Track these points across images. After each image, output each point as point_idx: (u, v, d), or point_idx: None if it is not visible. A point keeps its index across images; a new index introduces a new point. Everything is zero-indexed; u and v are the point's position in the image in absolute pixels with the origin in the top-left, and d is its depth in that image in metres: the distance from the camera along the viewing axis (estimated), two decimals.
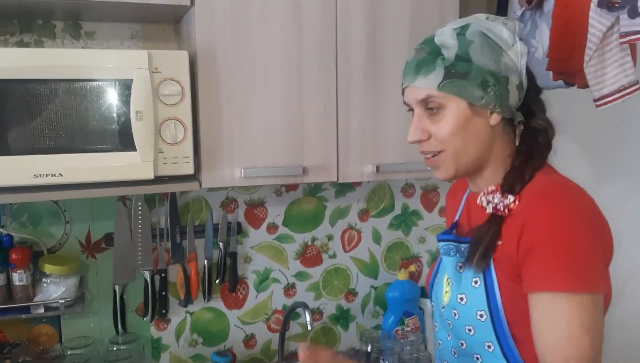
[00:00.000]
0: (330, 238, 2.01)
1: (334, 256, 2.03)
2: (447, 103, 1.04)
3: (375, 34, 1.59)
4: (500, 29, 1.04)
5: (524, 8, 1.68)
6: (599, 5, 1.23)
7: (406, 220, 2.10)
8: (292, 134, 1.55)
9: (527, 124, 1.08)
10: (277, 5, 1.50)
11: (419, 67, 1.05)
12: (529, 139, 1.07)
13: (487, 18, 1.07)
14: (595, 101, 1.28)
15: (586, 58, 1.26)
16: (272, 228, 1.94)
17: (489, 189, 1.05)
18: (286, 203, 1.95)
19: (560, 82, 1.54)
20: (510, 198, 1.02)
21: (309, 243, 1.99)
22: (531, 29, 1.70)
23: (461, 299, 1.07)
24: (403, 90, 1.11)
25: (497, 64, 1.02)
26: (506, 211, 1.02)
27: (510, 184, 1.04)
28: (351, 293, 2.07)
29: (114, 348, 1.73)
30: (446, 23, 1.09)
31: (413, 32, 1.61)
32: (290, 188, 1.94)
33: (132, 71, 1.36)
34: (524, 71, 1.05)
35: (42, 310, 1.59)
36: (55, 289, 1.60)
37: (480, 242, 1.03)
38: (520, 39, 1.05)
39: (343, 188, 2.01)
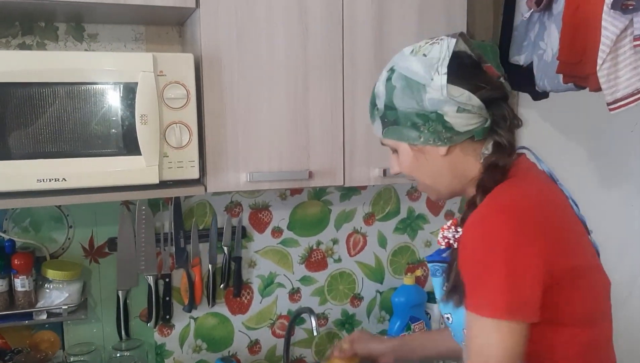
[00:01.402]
0: (335, 242, 1.99)
1: (339, 260, 2.01)
2: (396, 146, 1.11)
3: (382, 36, 1.57)
4: (417, 66, 1.04)
5: (532, 10, 1.66)
6: (613, 7, 1.20)
7: (412, 224, 2.08)
8: (297, 137, 1.53)
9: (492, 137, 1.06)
10: (283, 7, 1.48)
11: (370, 117, 1.15)
12: (489, 157, 1.06)
13: (412, 51, 1.07)
14: (608, 104, 1.26)
15: (599, 61, 1.24)
16: (276, 232, 1.92)
17: (448, 225, 1.11)
18: (291, 206, 1.93)
19: (571, 85, 1.52)
20: (460, 230, 1.06)
21: (314, 247, 1.97)
22: (539, 31, 1.68)
23: (448, 318, 1.12)
24: None
25: (421, 104, 1.03)
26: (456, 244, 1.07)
27: (466, 217, 1.04)
28: (357, 298, 2.05)
29: (118, 355, 1.71)
30: (453, 26, 1.07)
31: (420, 35, 1.58)
32: (295, 191, 1.92)
33: (137, 73, 1.34)
34: (452, 101, 1.01)
35: (44, 317, 1.56)
36: (58, 295, 1.57)
37: (456, 288, 1.03)
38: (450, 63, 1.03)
39: (348, 192, 1.98)
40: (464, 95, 1.02)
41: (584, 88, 1.50)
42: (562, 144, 2.22)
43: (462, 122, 1.03)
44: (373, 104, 1.12)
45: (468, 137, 1.05)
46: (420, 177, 1.12)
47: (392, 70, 1.08)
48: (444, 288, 1.11)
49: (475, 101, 1.02)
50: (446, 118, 1.03)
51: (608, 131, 2.25)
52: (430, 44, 1.06)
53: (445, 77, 1.01)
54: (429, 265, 1.18)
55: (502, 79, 1.09)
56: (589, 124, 2.23)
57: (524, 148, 1.13)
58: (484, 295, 0.94)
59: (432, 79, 1.02)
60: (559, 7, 1.55)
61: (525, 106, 2.11)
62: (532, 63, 1.73)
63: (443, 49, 1.04)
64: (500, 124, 1.05)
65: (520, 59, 1.77)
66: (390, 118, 1.08)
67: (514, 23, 1.80)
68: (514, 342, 0.93)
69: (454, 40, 1.04)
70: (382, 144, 1.15)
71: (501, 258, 0.92)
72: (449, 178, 1.09)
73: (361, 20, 1.55)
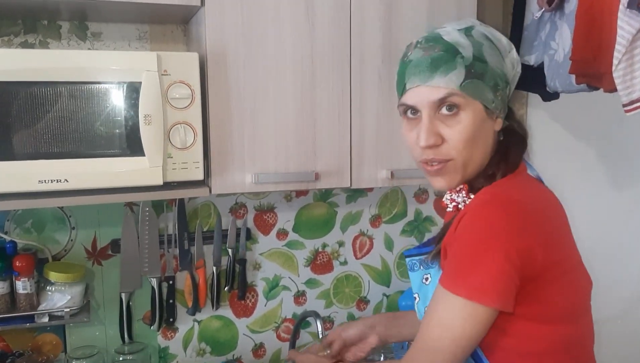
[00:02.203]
0: (341, 244, 1.96)
1: (345, 263, 1.98)
2: (466, 105, 0.99)
3: (390, 34, 1.54)
4: (499, 35, 1.04)
5: (543, 9, 1.62)
6: (629, 6, 1.17)
7: (419, 226, 2.05)
8: (304, 138, 1.50)
9: (505, 128, 1.07)
10: (290, 5, 1.45)
11: (436, 65, 0.98)
12: (506, 142, 1.06)
13: (480, 24, 1.06)
14: (624, 106, 1.23)
15: (615, 61, 1.21)
16: (282, 234, 1.89)
17: (457, 188, 1.05)
18: (296, 208, 1.90)
19: (583, 85, 1.48)
20: (472, 196, 1.03)
21: (320, 250, 1.94)
22: (550, 31, 1.65)
23: (415, 298, 1.12)
24: (405, 91, 1.03)
25: (503, 68, 1.02)
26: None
27: (481, 185, 1.03)
28: (363, 301, 2.02)
29: (120, 358, 1.69)
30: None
31: None
32: (301, 193, 1.89)
33: (141, 73, 1.31)
34: (516, 79, 1.05)
35: (46, 319, 1.54)
36: (60, 297, 1.55)
37: (441, 236, 1.04)
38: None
39: (354, 193, 1.96)
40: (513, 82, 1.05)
41: (597, 89, 1.47)
42: (572, 145, 2.18)
43: (505, 104, 1.05)
44: (454, 52, 0.98)
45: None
46: (467, 150, 1.00)
47: (470, 28, 1.01)
48: (424, 277, 1.11)
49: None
50: (508, 93, 1.04)
51: (619, 132, 2.22)
52: None
53: (518, 56, 1.05)
54: (407, 260, 1.16)
55: None
56: (600, 125, 2.20)
57: None
58: (473, 279, 0.92)
59: (509, 52, 1.03)
60: (570, 6, 1.52)
61: (534, 106, 2.08)
62: (542, 63, 1.70)
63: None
64: (516, 125, 1.09)
65: (531, 59, 1.74)
66: (479, 70, 0.98)
67: (524, 23, 1.77)
68: (479, 325, 0.94)
69: None
70: (442, 101, 0.98)
71: (500, 247, 0.91)
72: (485, 157, 1.04)
73: (369, 18, 1.52)
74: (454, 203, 1.05)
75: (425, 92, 1.00)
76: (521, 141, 1.06)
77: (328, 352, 1.38)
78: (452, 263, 0.97)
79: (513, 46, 1.04)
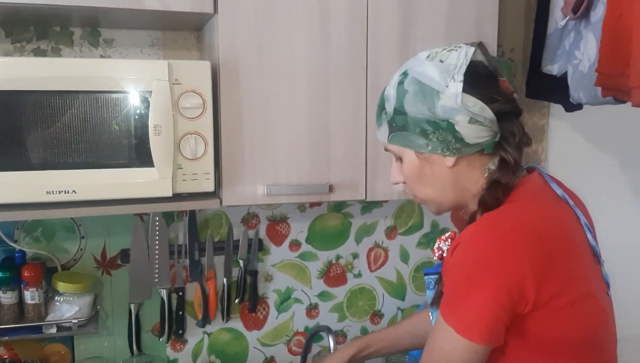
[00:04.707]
0: (355, 256, 1.92)
1: (359, 275, 1.93)
2: (402, 154, 1.07)
3: (408, 45, 1.49)
4: (432, 72, 1.01)
5: (568, 17, 1.57)
6: None
7: (435, 238, 1.99)
8: (318, 149, 1.46)
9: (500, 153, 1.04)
10: (305, 13, 1.42)
11: (376, 120, 1.11)
12: (493, 173, 1.03)
13: (428, 56, 1.04)
14: None
15: None
16: (294, 245, 1.85)
17: (445, 236, 1.09)
18: (310, 219, 1.86)
19: (610, 98, 1.42)
20: None
21: (333, 262, 1.90)
22: (575, 40, 1.59)
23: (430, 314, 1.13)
24: None
25: (433, 110, 1.00)
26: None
27: (478, 214, 1.02)
28: (377, 315, 1.97)
29: None
30: (483, 34, 1.02)
31: (449, 42, 1.51)
32: (315, 203, 1.85)
33: (151, 82, 1.28)
34: (469, 107, 0.99)
35: (54, 330, 1.52)
36: (69, 308, 1.53)
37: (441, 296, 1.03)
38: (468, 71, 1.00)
39: (370, 204, 1.91)
40: (477, 105, 1.00)
41: (623, 102, 1.41)
42: (594, 157, 2.12)
43: (472, 133, 1.01)
44: (381, 108, 1.08)
45: (477, 150, 1.03)
46: (423, 188, 1.09)
47: (405, 74, 1.05)
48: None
49: (488, 113, 1.00)
50: (457, 128, 1.00)
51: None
52: (448, 51, 1.03)
53: (460, 85, 0.99)
54: (425, 277, 1.18)
55: (515, 95, 1.07)
56: (623, 137, 2.13)
57: (534, 167, 1.10)
58: (462, 312, 0.94)
59: (447, 86, 1.00)
60: (597, 15, 1.46)
61: (556, 116, 2.02)
62: (566, 73, 1.64)
63: (461, 56, 1.01)
64: (509, 139, 1.03)
65: (554, 68, 1.68)
66: (399, 123, 1.04)
67: (547, 31, 1.71)
68: (472, 356, 0.94)
69: (472, 49, 1.02)
70: (386, 150, 1.12)
71: (490, 283, 0.91)
72: (453, 190, 1.06)
73: (386, 27, 1.48)
74: (439, 252, 1.09)
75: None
76: (504, 175, 1.02)
77: None
78: (446, 293, 0.98)
79: (458, 75, 0.99)
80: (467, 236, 0.97)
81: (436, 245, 1.10)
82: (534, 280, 0.91)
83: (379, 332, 1.54)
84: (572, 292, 0.95)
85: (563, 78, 1.66)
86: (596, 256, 1.05)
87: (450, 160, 1.03)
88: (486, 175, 1.04)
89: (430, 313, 1.14)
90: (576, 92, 1.57)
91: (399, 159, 1.10)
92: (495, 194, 1.01)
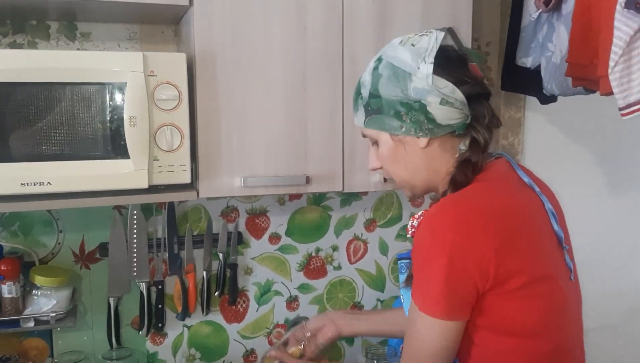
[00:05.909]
0: (335, 248, 1.93)
1: (338, 267, 1.95)
2: (377, 137, 1.11)
3: (383, 38, 1.50)
4: (404, 55, 1.05)
5: (540, 10, 1.59)
6: (626, 6, 1.14)
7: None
8: (295, 141, 1.47)
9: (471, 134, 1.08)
10: (281, 6, 1.43)
11: (353, 106, 1.15)
12: (465, 153, 1.07)
13: (401, 42, 1.08)
14: (620, 109, 1.19)
15: (611, 64, 1.17)
16: (274, 238, 1.86)
17: (418, 214, 1.10)
18: (289, 212, 1.87)
19: (580, 89, 1.45)
20: None
21: (313, 254, 1.91)
22: (548, 33, 1.61)
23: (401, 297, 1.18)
24: None
25: (405, 92, 1.04)
26: None
27: (445, 194, 1.06)
28: (357, 307, 1.99)
29: None
30: (458, 27, 1.06)
31: None
32: (294, 196, 1.86)
33: (126, 74, 1.28)
34: (440, 88, 1.02)
35: (32, 324, 1.51)
36: (46, 302, 1.52)
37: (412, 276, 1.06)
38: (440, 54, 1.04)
39: (349, 197, 1.92)
40: (448, 87, 1.03)
41: (593, 92, 1.43)
42: (570, 149, 2.15)
43: (444, 115, 1.04)
44: (357, 93, 1.12)
45: (448, 131, 1.06)
46: (398, 169, 1.12)
47: (379, 59, 1.09)
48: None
49: (459, 94, 1.04)
50: (429, 109, 1.04)
51: (617, 136, 2.18)
52: (420, 36, 1.08)
53: (431, 66, 1.02)
54: (398, 262, 1.23)
55: (484, 80, 1.11)
56: (598, 129, 2.16)
57: (502, 155, 1.13)
58: (425, 291, 0.98)
59: (418, 68, 1.03)
60: (568, 7, 1.48)
61: (532, 109, 2.05)
62: (539, 66, 1.67)
63: (431, 40, 1.05)
64: (480, 121, 1.07)
65: (528, 61, 1.70)
66: (374, 106, 1.08)
67: (522, 24, 1.74)
68: (446, 338, 0.98)
69: (442, 34, 1.06)
70: (363, 136, 1.16)
71: (443, 257, 0.94)
72: (425, 171, 1.10)
73: (362, 20, 1.49)
74: (412, 229, 1.10)
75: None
76: (475, 154, 1.06)
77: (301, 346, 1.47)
78: (416, 276, 1.01)
79: (429, 57, 1.03)
80: (428, 215, 1.00)
81: (409, 223, 1.13)
82: (493, 254, 0.94)
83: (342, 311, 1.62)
84: (529, 272, 0.98)
85: (537, 71, 1.68)
86: (560, 243, 1.07)
87: (423, 141, 1.07)
88: (457, 155, 1.07)
89: (401, 295, 1.17)
90: (549, 84, 1.60)
91: (375, 143, 1.13)
92: (465, 171, 1.04)
